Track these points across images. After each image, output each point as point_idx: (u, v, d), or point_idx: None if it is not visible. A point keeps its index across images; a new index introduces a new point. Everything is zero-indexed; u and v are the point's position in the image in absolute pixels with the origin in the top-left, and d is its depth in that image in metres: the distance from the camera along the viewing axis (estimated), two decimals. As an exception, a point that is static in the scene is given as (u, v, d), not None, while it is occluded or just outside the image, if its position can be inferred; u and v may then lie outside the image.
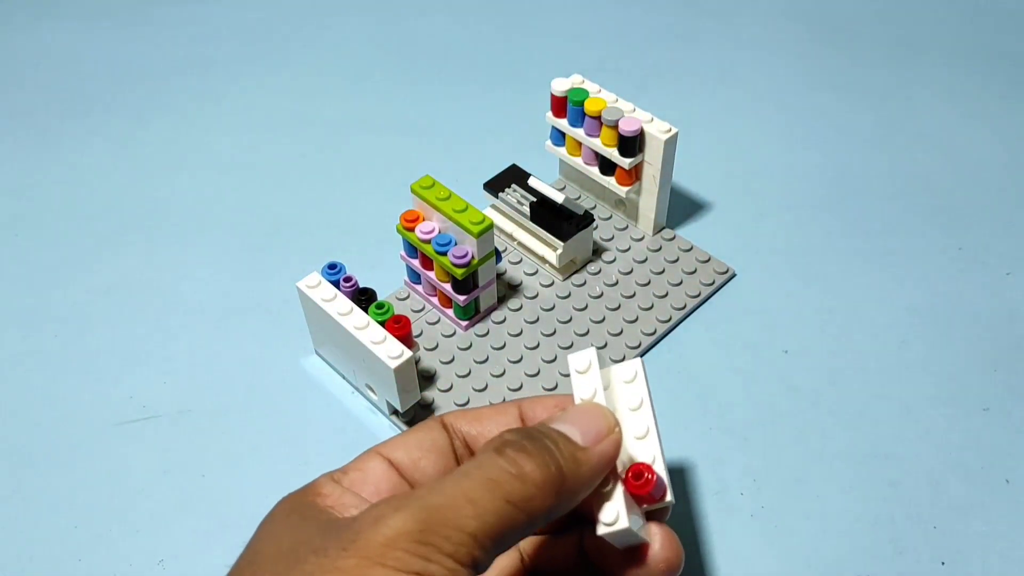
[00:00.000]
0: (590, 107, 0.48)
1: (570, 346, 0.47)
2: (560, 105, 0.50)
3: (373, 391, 0.44)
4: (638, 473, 0.29)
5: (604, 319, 0.48)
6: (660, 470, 0.30)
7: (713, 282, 0.50)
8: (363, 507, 0.28)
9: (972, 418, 0.45)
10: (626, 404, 0.31)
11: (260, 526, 0.28)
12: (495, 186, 0.50)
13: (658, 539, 0.30)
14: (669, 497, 0.30)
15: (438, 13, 0.71)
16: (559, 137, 0.52)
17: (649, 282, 0.50)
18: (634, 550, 0.30)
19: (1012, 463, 0.43)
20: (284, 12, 0.71)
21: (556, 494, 0.27)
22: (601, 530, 0.29)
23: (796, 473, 0.43)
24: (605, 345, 0.47)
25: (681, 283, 0.50)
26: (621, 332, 0.48)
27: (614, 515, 0.29)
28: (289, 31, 0.69)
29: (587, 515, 0.30)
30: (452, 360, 0.47)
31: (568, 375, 0.46)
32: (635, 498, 0.30)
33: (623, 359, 0.47)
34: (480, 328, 0.48)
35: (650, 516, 0.31)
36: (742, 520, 0.41)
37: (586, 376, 0.31)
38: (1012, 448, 0.43)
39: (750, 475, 0.42)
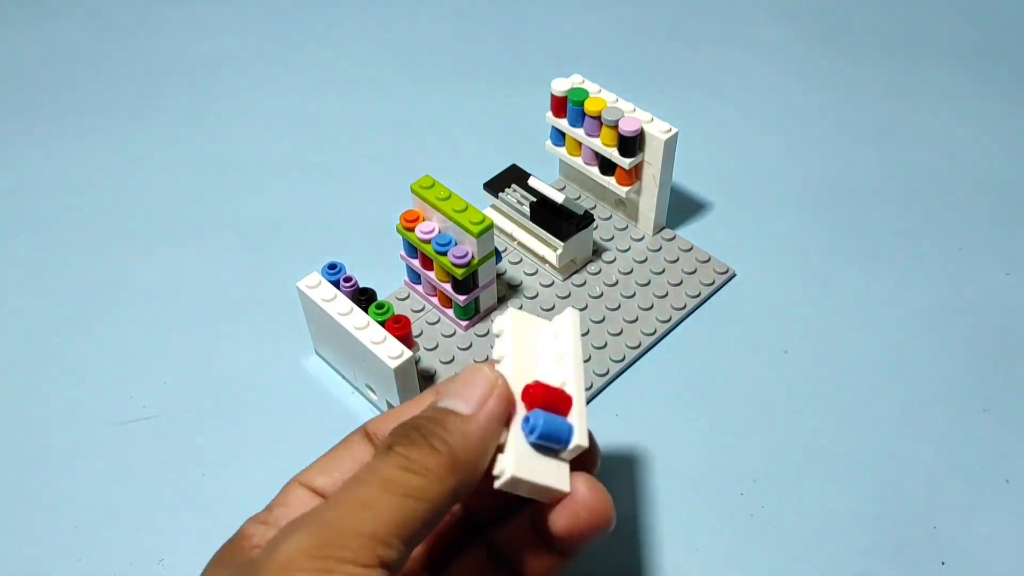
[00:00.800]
0: (590, 107, 0.48)
1: (570, 346, 0.47)
2: (560, 105, 0.50)
3: (373, 391, 0.44)
4: (529, 392, 0.29)
5: (604, 319, 0.48)
6: (576, 415, 0.29)
7: (713, 282, 0.50)
8: None
9: (972, 418, 0.45)
10: (551, 357, 0.31)
11: None
12: (495, 186, 0.50)
13: (581, 487, 0.29)
14: (582, 441, 0.29)
15: (438, 13, 0.71)
16: (559, 137, 0.52)
17: (649, 282, 0.50)
18: (557, 501, 0.29)
19: (1012, 463, 0.43)
20: (284, 12, 0.71)
21: (453, 473, 0.26)
22: (496, 484, 0.28)
23: (796, 473, 0.43)
24: (605, 345, 0.47)
25: (681, 283, 0.50)
26: (621, 332, 0.48)
27: (501, 466, 0.28)
28: (289, 31, 0.69)
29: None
30: (452, 360, 0.47)
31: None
32: (538, 448, 0.29)
33: (623, 359, 0.47)
34: (480, 328, 0.48)
35: (573, 464, 0.30)
36: (742, 520, 0.41)
37: (501, 340, 0.31)
38: (1012, 448, 0.43)
39: (750, 475, 0.42)
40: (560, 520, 0.29)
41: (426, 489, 0.26)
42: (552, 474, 0.29)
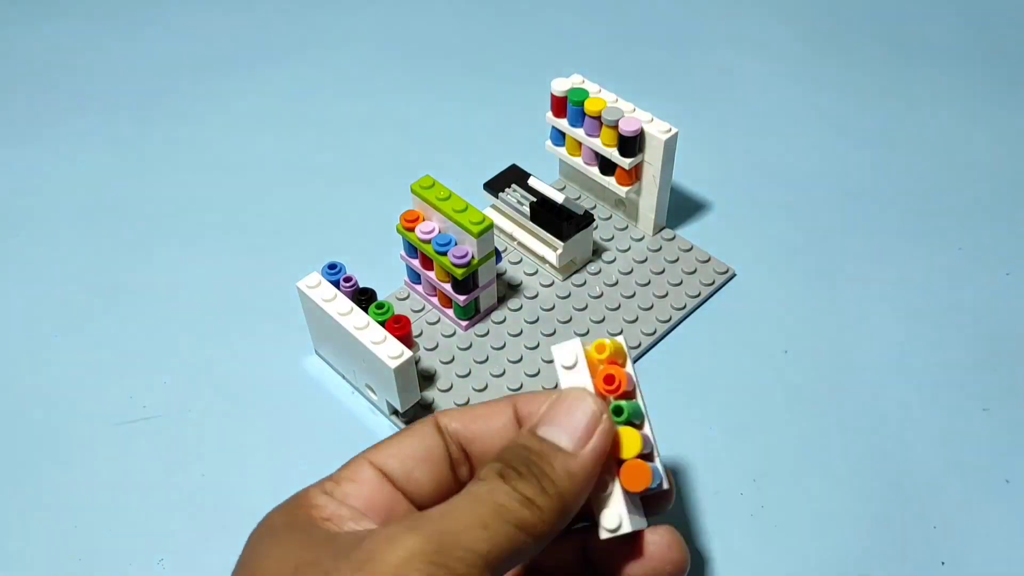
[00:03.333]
0: (590, 107, 0.48)
1: (570, 346, 0.47)
2: (560, 105, 0.50)
3: (373, 391, 0.44)
4: (634, 467, 0.29)
5: (604, 319, 0.48)
6: (656, 459, 0.30)
7: (713, 282, 0.50)
8: (360, 521, 0.28)
9: (972, 418, 0.45)
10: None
11: (254, 542, 0.28)
12: (495, 186, 0.50)
13: (664, 540, 0.30)
14: (666, 484, 0.30)
15: (438, 13, 0.71)
16: (559, 137, 0.52)
17: (649, 282, 0.50)
18: (637, 548, 0.30)
19: (1012, 463, 0.43)
20: (284, 12, 0.71)
21: (559, 515, 0.27)
22: (604, 535, 0.29)
23: (796, 473, 0.43)
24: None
25: (681, 283, 0.50)
26: (621, 332, 0.48)
27: (616, 520, 0.29)
28: (289, 31, 0.69)
29: (588, 515, 0.30)
30: (452, 360, 0.47)
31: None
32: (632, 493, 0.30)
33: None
34: (480, 328, 0.48)
35: (650, 501, 0.31)
36: (742, 520, 0.41)
37: (574, 372, 0.31)
38: (1012, 448, 0.43)
39: (750, 475, 0.42)
40: (640, 571, 0.30)
41: (535, 526, 0.27)
42: (638, 517, 0.30)
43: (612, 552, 0.31)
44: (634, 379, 0.32)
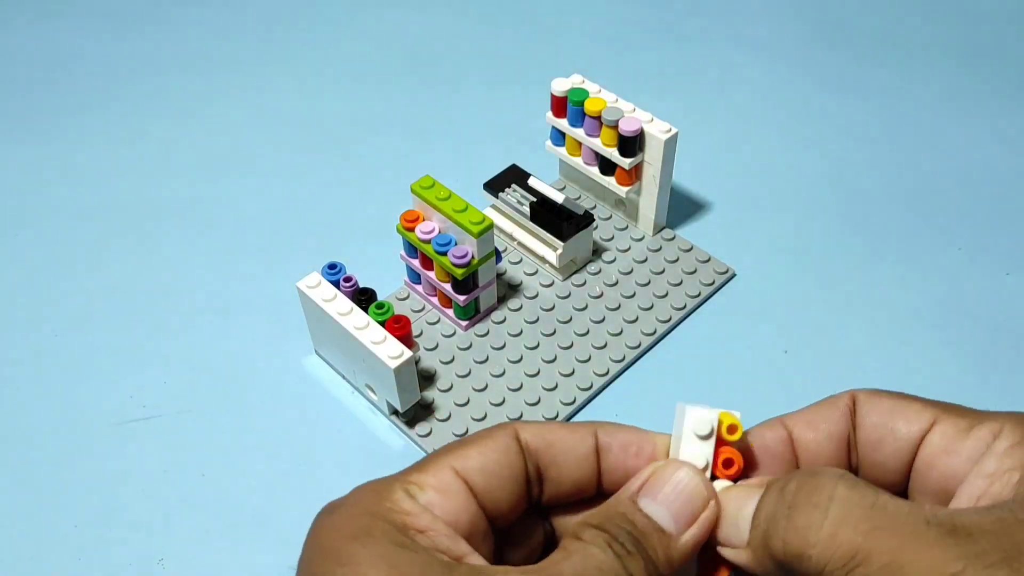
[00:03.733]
0: (590, 107, 0.48)
1: (570, 346, 0.47)
2: (560, 105, 0.50)
3: (373, 391, 0.44)
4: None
5: (604, 319, 0.48)
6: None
7: (713, 282, 0.50)
8: (453, 540, 0.27)
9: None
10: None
11: (339, 542, 0.26)
12: (495, 186, 0.50)
13: None
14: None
15: (438, 13, 0.71)
16: (559, 137, 0.52)
17: (649, 282, 0.50)
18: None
19: (1012, 463, 0.43)
20: (284, 12, 0.71)
21: None
22: None
23: (796, 473, 0.42)
24: (605, 345, 0.47)
25: (681, 283, 0.50)
26: (621, 332, 0.48)
27: None
28: (289, 31, 0.69)
29: None
30: (452, 360, 0.47)
31: (569, 374, 0.46)
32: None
33: (623, 359, 0.47)
34: (480, 328, 0.48)
35: None
36: (742, 520, 0.41)
37: (701, 443, 0.30)
38: (1012, 448, 0.43)
39: (750, 475, 0.42)
40: None
41: None
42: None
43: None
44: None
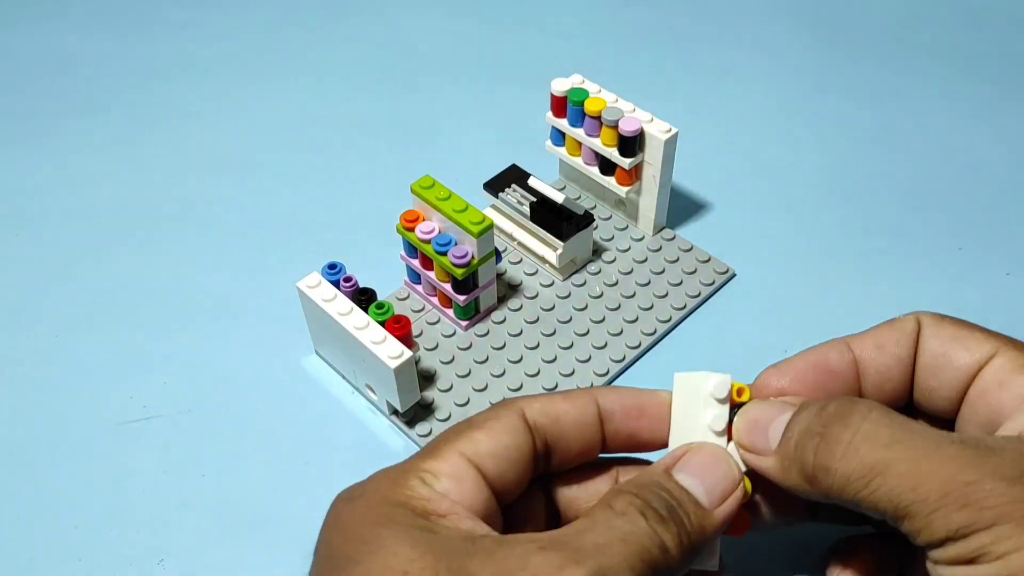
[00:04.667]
0: (590, 107, 0.48)
1: (570, 346, 0.47)
2: (560, 105, 0.50)
3: (373, 391, 0.44)
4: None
5: (604, 319, 0.48)
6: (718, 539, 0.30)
7: (713, 282, 0.50)
8: (473, 520, 0.27)
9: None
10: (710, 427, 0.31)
11: (361, 530, 0.27)
12: (495, 186, 0.50)
13: None
14: (716, 564, 0.30)
15: (438, 13, 0.71)
16: (559, 137, 0.52)
17: (649, 282, 0.50)
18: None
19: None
20: (284, 13, 0.71)
21: (685, 562, 0.28)
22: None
23: (796, 473, 0.42)
24: (605, 345, 0.47)
25: (681, 283, 0.50)
26: (621, 332, 0.48)
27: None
28: (289, 32, 0.69)
29: None
30: (452, 360, 0.47)
31: (569, 374, 0.46)
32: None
33: (623, 359, 0.47)
34: (480, 328, 0.48)
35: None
36: (742, 520, 0.41)
37: (722, 407, 0.31)
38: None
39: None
40: None
41: (667, 571, 0.27)
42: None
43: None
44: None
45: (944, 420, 0.32)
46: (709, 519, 0.29)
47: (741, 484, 0.30)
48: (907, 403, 0.32)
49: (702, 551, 0.29)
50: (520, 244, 0.51)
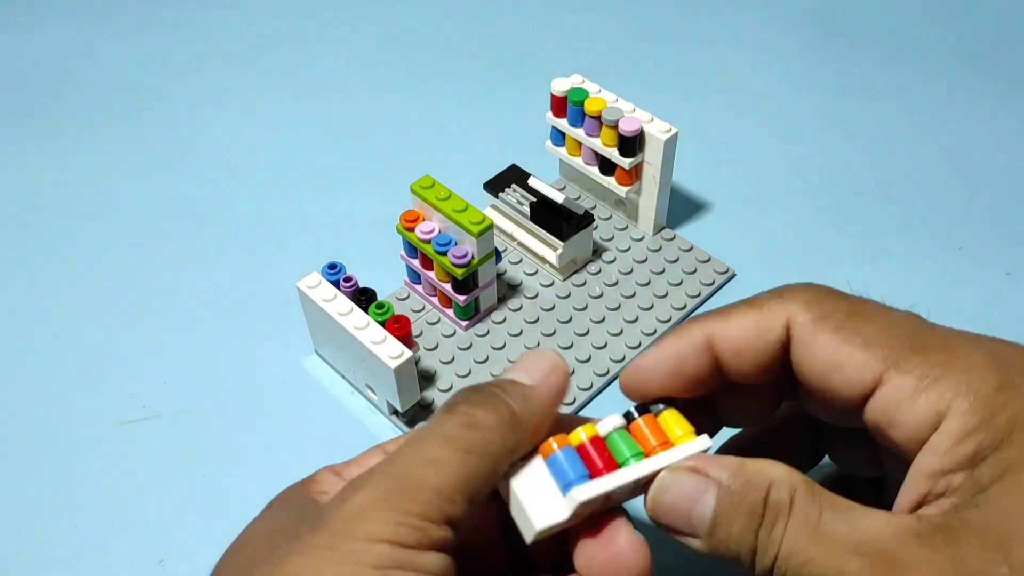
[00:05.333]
0: (590, 107, 0.48)
1: (570, 346, 0.47)
2: (560, 105, 0.50)
3: (373, 391, 0.44)
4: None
5: (604, 319, 0.48)
6: (597, 480, 0.27)
7: (713, 282, 0.50)
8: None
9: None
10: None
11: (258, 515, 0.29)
12: (495, 186, 0.50)
13: (626, 542, 0.27)
14: (579, 496, 0.27)
15: (438, 13, 0.71)
16: (559, 137, 0.52)
17: (649, 282, 0.50)
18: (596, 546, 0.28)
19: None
20: (284, 12, 0.71)
21: (512, 431, 0.27)
22: (528, 537, 0.27)
23: (796, 473, 0.42)
24: (605, 345, 0.47)
25: (681, 283, 0.50)
26: (621, 332, 0.48)
27: (531, 523, 0.27)
28: (289, 31, 0.69)
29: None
30: (452, 360, 0.47)
31: (569, 374, 0.46)
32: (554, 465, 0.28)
33: (623, 359, 0.47)
34: (480, 328, 0.48)
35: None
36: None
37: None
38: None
39: (750, 475, 0.42)
40: (596, 570, 0.27)
41: (487, 446, 0.26)
42: (560, 510, 0.27)
43: (552, 544, 0.29)
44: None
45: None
46: (530, 388, 0.28)
47: (563, 364, 0.29)
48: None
49: (540, 429, 0.28)
50: (520, 244, 0.51)
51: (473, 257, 0.44)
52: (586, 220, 0.49)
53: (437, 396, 0.45)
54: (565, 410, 0.45)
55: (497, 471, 0.27)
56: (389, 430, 0.44)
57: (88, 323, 0.49)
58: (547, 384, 0.29)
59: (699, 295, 0.50)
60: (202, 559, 0.40)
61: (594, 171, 0.51)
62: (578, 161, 0.52)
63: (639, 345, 0.47)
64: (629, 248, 0.52)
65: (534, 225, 0.49)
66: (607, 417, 0.29)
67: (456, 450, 0.26)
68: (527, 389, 0.28)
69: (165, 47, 0.68)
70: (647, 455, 0.28)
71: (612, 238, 0.52)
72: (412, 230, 0.46)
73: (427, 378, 0.46)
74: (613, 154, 0.49)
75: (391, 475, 0.25)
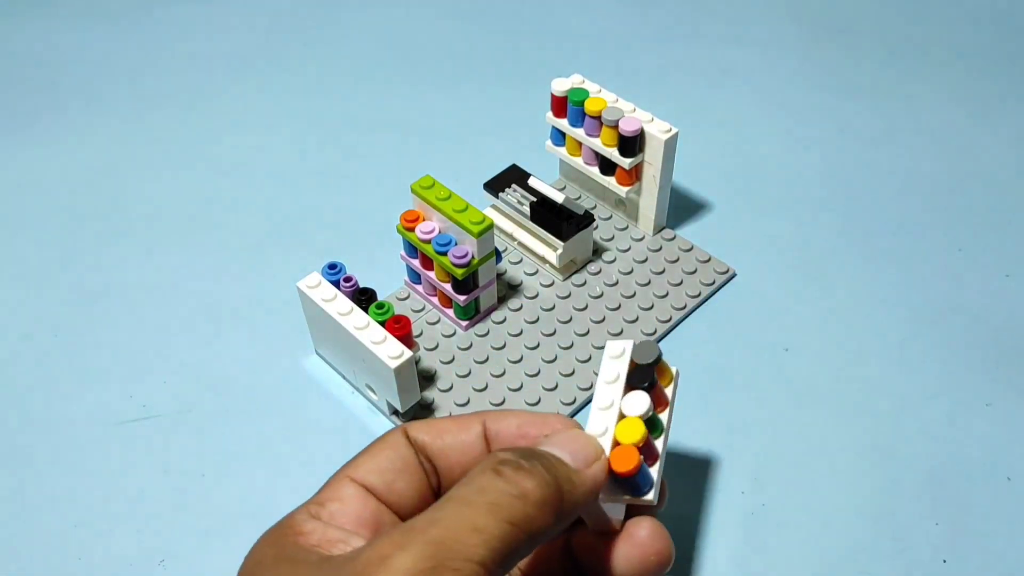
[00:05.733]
0: (590, 107, 0.48)
1: (570, 346, 0.47)
2: (560, 105, 0.50)
3: (373, 391, 0.44)
4: (624, 451, 0.29)
5: (604, 319, 0.48)
6: (654, 470, 0.30)
7: (713, 282, 0.50)
8: (351, 541, 0.27)
9: (973, 417, 0.45)
10: (640, 406, 0.31)
11: (248, 573, 0.27)
12: (495, 186, 0.50)
13: (647, 531, 0.30)
14: (651, 495, 0.30)
15: (438, 13, 0.71)
16: (559, 137, 0.52)
17: (649, 282, 0.50)
18: (621, 539, 0.30)
19: (1013, 461, 0.43)
20: (284, 12, 0.71)
21: (556, 513, 0.27)
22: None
23: (797, 471, 0.43)
24: (605, 345, 0.47)
25: (681, 283, 0.50)
26: (621, 332, 0.48)
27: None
28: (289, 31, 0.69)
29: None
30: (452, 360, 0.47)
31: (570, 374, 0.46)
32: (619, 484, 0.29)
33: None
34: (480, 328, 0.48)
35: (635, 511, 0.31)
36: (742, 518, 0.41)
37: (612, 386, 0.32)
38: (1013, 446, 0.43)
39: (750, 473, 0.42)
40: (624, 562, 0.30)
41: (532, 521, 0.26)
42: (618, 512, 0.30)
43: (595, 546, 0.30)
44: (668, 397, 0.33)
45: None
46: (576, 473, 0.28)
47: (604, 456, 0.29)
48: None
49: (588, 515, 0.29)
50: (520, 244, 0.51)
51: (473, 257, 0.44)
52: (586, 220, 0.49)
53: (437, 396, 0.45)
54: (565, 410, 0.45)
55: (534, 546, 0.26)
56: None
57: (88, 323, 0.49)
58: (592, 472, 0.28)
59: (699, 295, 0.50)
60: (202, 559, 0.40)
61: (594, 171, 0.51)
62: (578, 161, 0.52)
63: (639, 345, 0.47)
64: (629, 248, 0.52)
65: (534, 225, 0.49)
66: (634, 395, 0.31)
67: (502, 520, 0.25)
68: (574, 474, 0.28)
69: (165, 46, 0.68)
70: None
71: (612, 238, 0.52)
72: (412, 230, 0.46)
73: (427, 378, 0.46)
74: (613, 154, 0.49)
75: (436, 540, 0.24)
